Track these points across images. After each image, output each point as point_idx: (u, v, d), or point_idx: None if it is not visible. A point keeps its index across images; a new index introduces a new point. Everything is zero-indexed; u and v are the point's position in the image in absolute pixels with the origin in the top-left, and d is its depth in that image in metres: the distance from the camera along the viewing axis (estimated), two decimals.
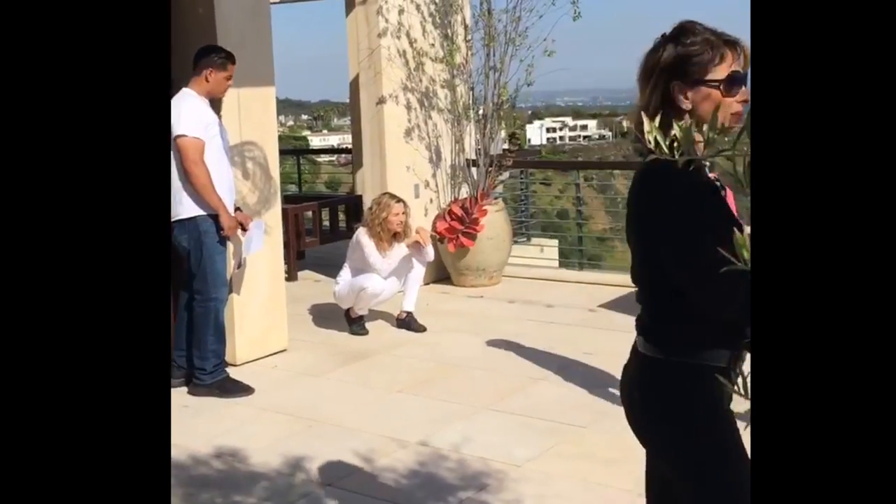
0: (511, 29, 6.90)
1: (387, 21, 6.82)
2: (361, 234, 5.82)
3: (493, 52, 6.98)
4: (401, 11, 6.90)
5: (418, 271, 5.99)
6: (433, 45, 7.08)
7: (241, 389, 4.84)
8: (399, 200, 5.88)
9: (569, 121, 75.24)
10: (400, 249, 5.84)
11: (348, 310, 5.95)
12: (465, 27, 7.20)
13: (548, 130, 70.04)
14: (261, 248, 5.15)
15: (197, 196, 4.66)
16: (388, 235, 5.81)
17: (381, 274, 5.78)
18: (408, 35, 6.96)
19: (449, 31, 7.07)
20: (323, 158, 23.05)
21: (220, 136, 4.80)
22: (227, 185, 4.83)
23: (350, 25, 7.10)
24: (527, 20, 6.87)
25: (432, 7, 7.06)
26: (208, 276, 4.75)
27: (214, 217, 4.71)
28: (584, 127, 74.18)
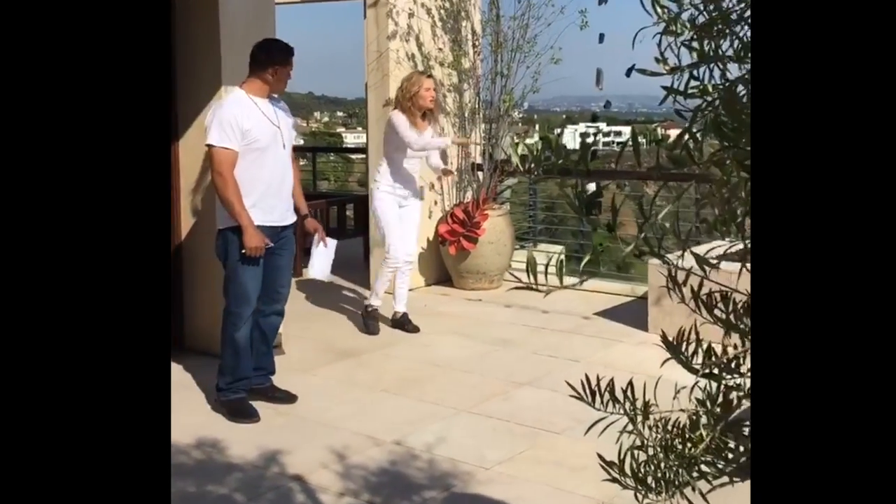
0: (519, 36, 6.96)
1: (396, 24, 6.90)
2: (394, 114, 5.77)
3: (500, 57, 7.04)
4: (410, 15, 6.97)
5: (403, 278, 6.02)
6: (441, 49, 7.15)
7: (247, 415, 4.54)
8: (430, 76, 5.82)
9: (603, 126, 74.99)
10: (429, 133, 5.83)
11: (366, 306, 6.05)
12: (474, 32, 7.26)
13: (581, 135, 69.91)
14: (323, 276, 5.00)
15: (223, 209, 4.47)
16: (419, 113, 5.72)
17: (415, 149, 5.73)
18: (417, 39, 7.03)
19: (458, 35, 7.13)
20: (357, 156, 23.39)
21: (271, 136, 4.51)
22: (274, 190, 4.54)
23: (365, 27, 7.19)
24: (535, 28, 6.93)
25: (442, 11, 7.13)
26: (230, 289, 4.56)
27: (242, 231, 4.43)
28: (619, 133, 73.99)
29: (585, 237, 8.60)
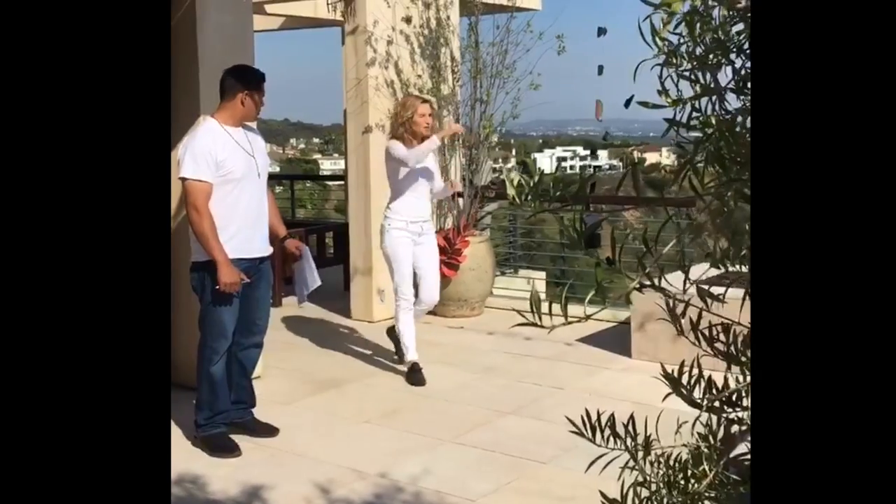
0: (498, 62, 6.97)
1: (375, 51, 6.89)
2: (390, 143, 5.40)
3: (479, 84, 7.05)
4: (389, 42, 6.96)
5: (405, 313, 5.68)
6: (420, 76, 7.14)
7: (228, 450, 4.44)
8: (426, 101, 5.42)
9: (580, 150, 75.53)
10: (429, 160, 5.46)
11: (406, 363, 5.64)
12: (453, 59, 7.26)
13: (558, 159, 70.38)
14: (318, 282, 4.90)
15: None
16: (416, 141, 5.30)
17: (411, 164, 5.28)
18: (396, 65, 7.02)
19: (437, 62, 7.13)
20: (334, 183, 23.55)
21: (246, 166, 4.38)
22: (252, 221, 4.43)
23: (344, 54, 7.17)
24: (514, 53, 6.96)
25: (421, 38, 7.13)
26: (206, 323, 4.45)
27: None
28: (595, 156, 74.49)
29: (566, 262, 8.60)
